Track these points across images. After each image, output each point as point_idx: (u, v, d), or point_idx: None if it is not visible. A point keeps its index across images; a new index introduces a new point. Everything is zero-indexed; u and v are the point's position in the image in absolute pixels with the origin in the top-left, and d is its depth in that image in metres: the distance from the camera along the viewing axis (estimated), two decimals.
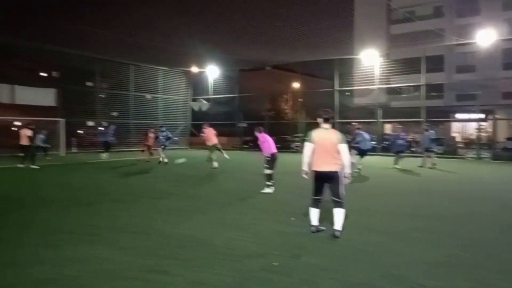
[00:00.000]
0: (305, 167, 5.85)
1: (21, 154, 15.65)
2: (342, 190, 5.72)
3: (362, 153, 14.13)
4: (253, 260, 4.68)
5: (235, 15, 16.43)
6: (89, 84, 28.16)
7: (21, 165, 15.29)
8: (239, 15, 16.54)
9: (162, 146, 17.65)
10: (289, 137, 29.40)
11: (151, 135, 17.84)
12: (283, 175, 11.64)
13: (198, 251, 5.04)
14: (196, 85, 31.67)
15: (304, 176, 5.91)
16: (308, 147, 5.83)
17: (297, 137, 28.49)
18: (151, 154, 17.74)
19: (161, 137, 17.76)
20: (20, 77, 23.67)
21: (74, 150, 24.85)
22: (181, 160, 16.60)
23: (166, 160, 17.25)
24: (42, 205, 8.16)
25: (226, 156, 15.93)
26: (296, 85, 33.79)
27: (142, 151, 18.24)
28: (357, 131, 14.47)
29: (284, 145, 28.67)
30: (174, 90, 30.93)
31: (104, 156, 19.85)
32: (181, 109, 31.41)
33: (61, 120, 23.30)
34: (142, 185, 11.21)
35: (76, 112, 25.59)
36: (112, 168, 15.86)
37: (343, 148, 5.69)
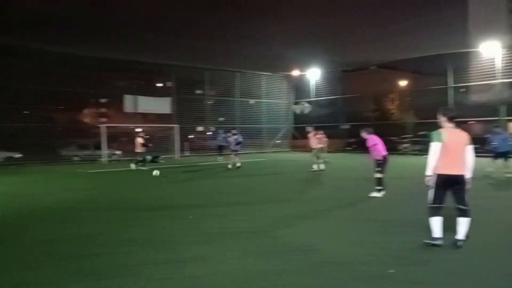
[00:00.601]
0: (429, 171, 5.26)
1: (139, 158, 17.95)
2: (467, 196, 5.28)
3: (500, 155, 12.80)
4: (371, 268, 4.56)
5: (337, 15, 16.18)
6: (198, 92, 30.31)
7: (134, 167, 17.52)
8: (340, 16, 16.25)
9: (234, 151, 17.68)
10: (396, 139, 27.90)
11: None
12: (394, 179, 11.12)
13: (307, 258, 5.06)
14: (298, 88, 31.95)
15: (429, 182, 5.30)
16: (436, 148, 5.21)
17: (405, 138, 26.91)
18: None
19: (231, 140, 17.74)
20: (141, 88, 26.41)
21: (187, 153, 26.91)
22: (155, 172, 14.72)
23: (238, 165, 17.30)
24: (160, 209, 8.99)
25: (317, 167, 15.41)
26: (402, 83, 31.97)
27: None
28: (495, 130, 13.20)
29: (391, 147, 27.19)
30: (277, 94, 31.64)
31: (220, 159, 21.53)
32: (284, 112, 31.96)
33: (176, 126, 25.46)
34: (245, 187, 11.65)
35: (188, 119, 27.75)
36: (225, 171, 16.78)
37: (470, 150, 5.25)
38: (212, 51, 21.45)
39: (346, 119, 29.16)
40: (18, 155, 21.60)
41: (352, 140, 28.57)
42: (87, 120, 27.45)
